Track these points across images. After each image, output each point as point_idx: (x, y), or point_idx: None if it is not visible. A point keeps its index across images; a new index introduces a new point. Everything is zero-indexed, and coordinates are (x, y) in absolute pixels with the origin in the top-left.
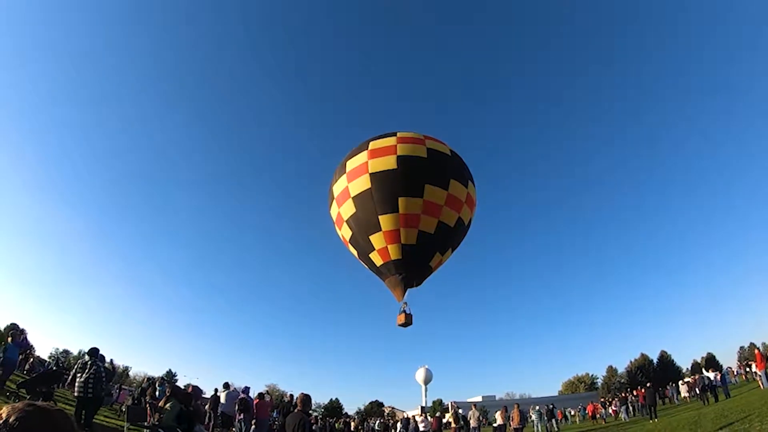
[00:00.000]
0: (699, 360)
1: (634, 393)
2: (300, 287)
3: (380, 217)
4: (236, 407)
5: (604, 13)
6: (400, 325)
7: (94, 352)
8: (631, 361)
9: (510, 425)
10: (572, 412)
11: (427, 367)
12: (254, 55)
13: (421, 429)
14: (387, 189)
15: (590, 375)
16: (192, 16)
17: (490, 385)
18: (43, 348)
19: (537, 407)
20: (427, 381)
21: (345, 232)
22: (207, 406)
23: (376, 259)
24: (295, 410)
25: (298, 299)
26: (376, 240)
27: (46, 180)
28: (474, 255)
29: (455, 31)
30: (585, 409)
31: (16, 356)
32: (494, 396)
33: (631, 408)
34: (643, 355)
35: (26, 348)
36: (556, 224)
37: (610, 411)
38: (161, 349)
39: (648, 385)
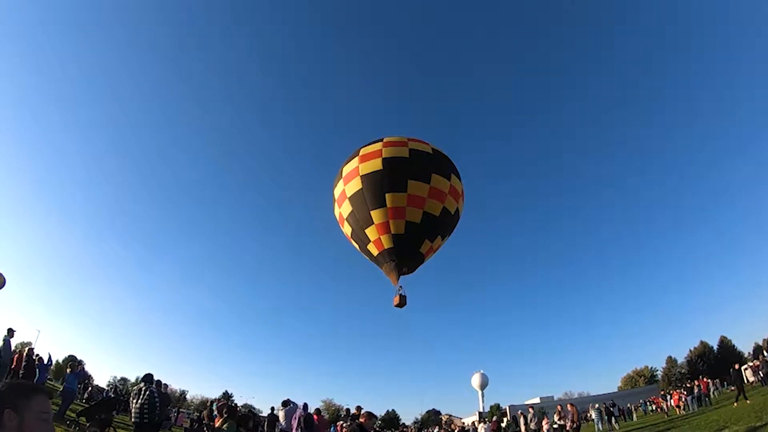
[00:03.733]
0: (761, 342)
1: (696, 383)
2: (350, 302)
3: (372, 212)
4: (295, 424)
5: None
6: (396, 306)
7: (148, 378)
8: (690, 350)
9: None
10: (633, 408)
11: (482, 372)
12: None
13: None
14: (375, 187)
15: (649, 368)
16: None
17: (547, 385)
18: (103, 377)
19: (596, 405)
20: (483, 386)
21: (347, 230)
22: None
23: (373, 249)
24: (355, 421)
25: (347, 314)
26: (371, 232)
27: (94, 214)
28: (525, 257)
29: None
30: (646, 403)
31: (74, 386)
32: (552, 396)
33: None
34: (702, 342)
35: (84, 378)
36: (602, 221)
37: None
38: (217, 371)
39: (737, 366)
